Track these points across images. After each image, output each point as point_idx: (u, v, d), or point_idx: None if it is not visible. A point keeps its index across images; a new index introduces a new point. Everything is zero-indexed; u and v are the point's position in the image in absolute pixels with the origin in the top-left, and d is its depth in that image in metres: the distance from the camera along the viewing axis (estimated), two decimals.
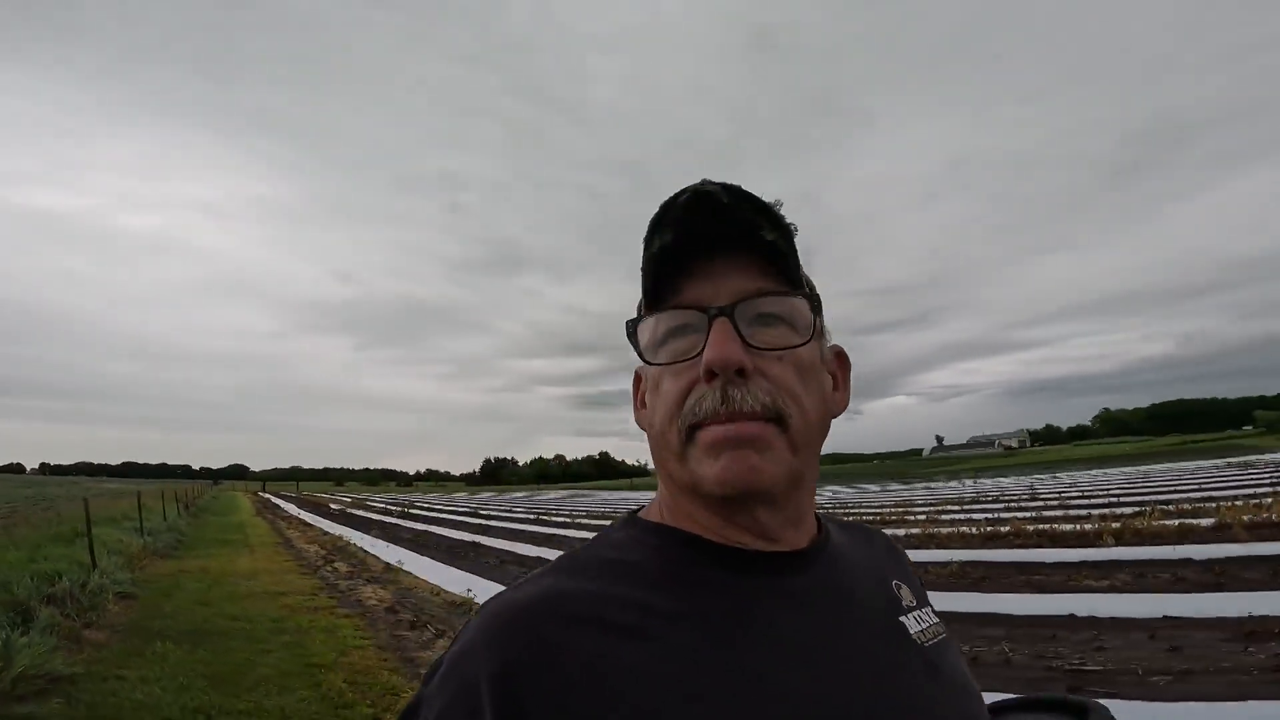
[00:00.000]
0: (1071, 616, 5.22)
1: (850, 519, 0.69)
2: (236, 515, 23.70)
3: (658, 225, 0.50)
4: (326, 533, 16.67)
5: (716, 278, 0.51)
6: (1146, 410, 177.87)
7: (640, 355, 0.54)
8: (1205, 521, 9.87)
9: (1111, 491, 19.34)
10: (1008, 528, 11.32)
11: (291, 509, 29.73)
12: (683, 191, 0.50)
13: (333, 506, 32.55)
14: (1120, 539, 9.11)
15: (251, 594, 7.28)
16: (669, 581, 0.50)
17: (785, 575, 0.52)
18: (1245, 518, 9.58)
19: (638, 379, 0.59)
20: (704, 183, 0.50)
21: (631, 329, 0.55)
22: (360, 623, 5.89)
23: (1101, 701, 0.59)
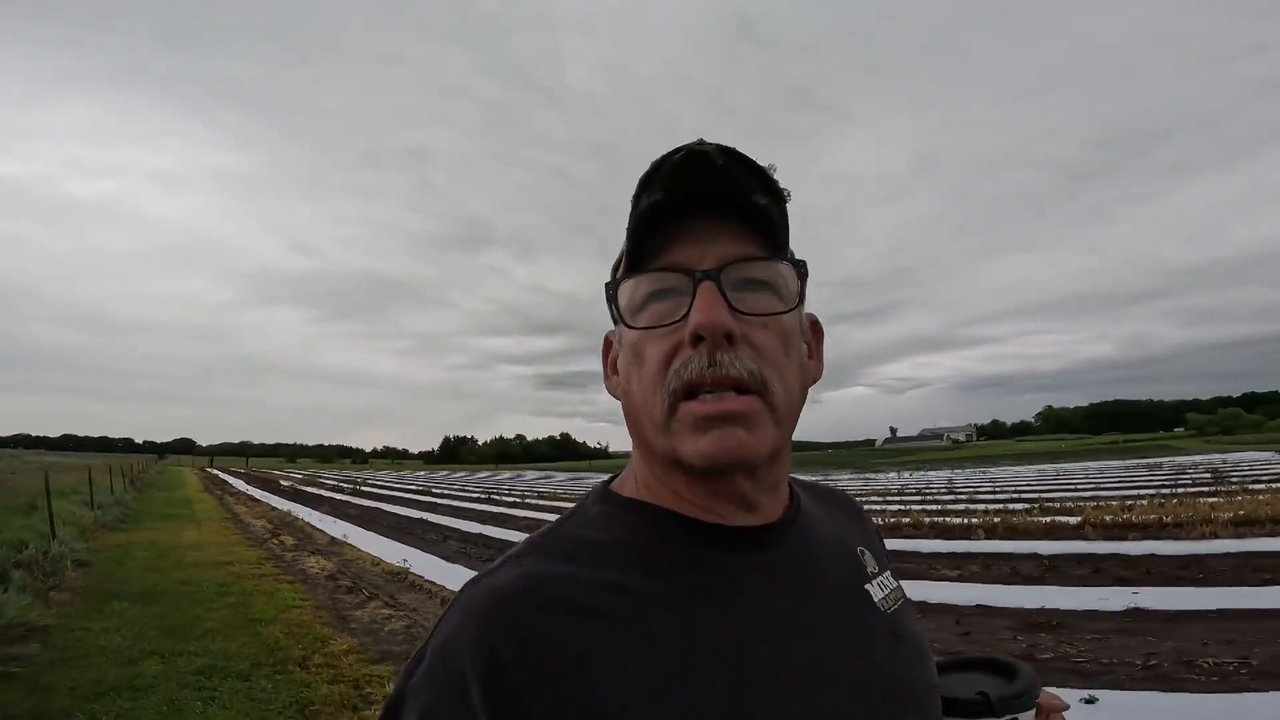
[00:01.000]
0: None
1: (815, 480, 0.70)
2: (183, 491, 23.76)
3: (647, 183, 0.48)
4: (275, 508, 17.07)
5: (703, 240, 0.49)
6: (1086, 409, 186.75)
7: (619, 318, 0.52)
8: (1074, 520, 11.14)
9: (1018, 487, 20.95)
10: (908, 519, 12.52)
11: (240, 485, 29.70)
12: (677, 150, 0.48)
13: (283, 483, 32.54)
14: (992, 533, 10.28)
15: (199, 563, 7.90)
16: (649, 561, 0.49)
17: (763, 549, 0.52)
18: (1107, 518, 10.85)
19: (608, 344, 0.58)
20: (699, 142, 0.48)
21: (611, 291, 0.52)
22: (302, 588, 6.62)
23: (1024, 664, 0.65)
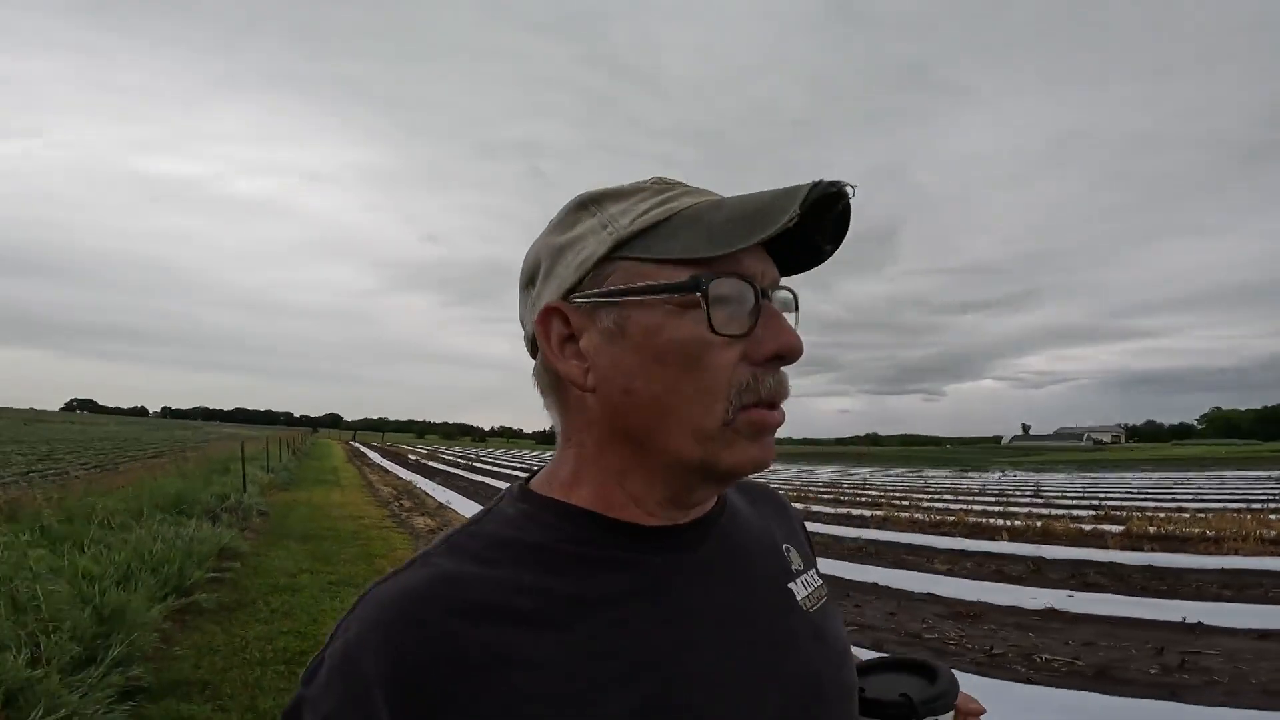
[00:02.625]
0: (875, 585, 6.79)
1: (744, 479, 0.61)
2: (331, 461, 27.96)
3: (791, 199, 0.45)
4: (400, 479, 20.17)
5: (762, 257, 0.49)
6: (1259, 412, 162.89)
7: (707, 315, 0.46)
8: (1117, 529, 11.31)
9: (1111, 494, 20.19)
10: (953, 518, 13.11)
11: (375, 457, 34.08)
12: (833, 183, 0.46)
13: (410, 457, 36.89)
14: (1019, 536, 10.76)
15: (340, 517, 10.45)
16: (569, 563, 0.48)
17: (686, 549, 0.52)
18: (1150, 529, 10.96)
19: (549, 315, 0.50)
20: (844, 186, 0.47)
21: (705, 285, 0.46)
22: (408, 537, 8.86)
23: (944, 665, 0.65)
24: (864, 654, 0.71)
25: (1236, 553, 8.76)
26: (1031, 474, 37.64)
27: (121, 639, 3.49)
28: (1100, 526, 11.46)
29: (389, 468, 25.88)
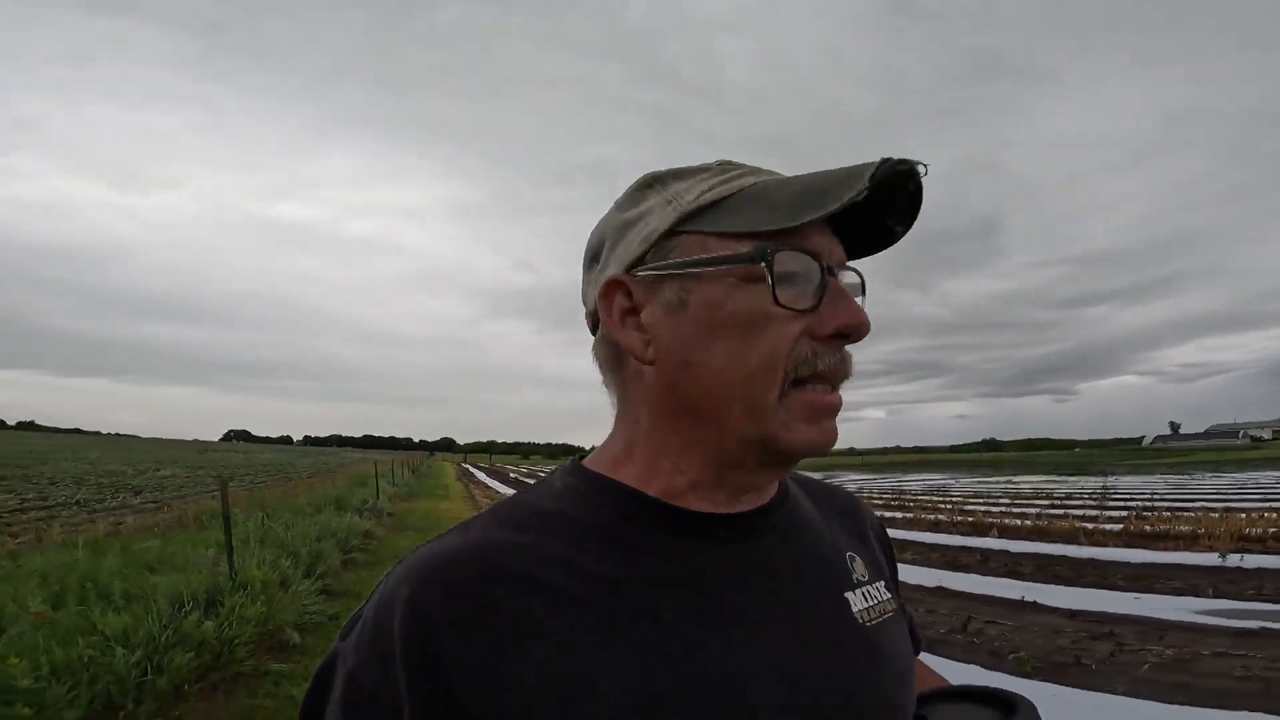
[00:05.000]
0: None
1: (821, 478, 0.66)
2: (443, 479, 32.14)
3: (859, 176, 0.45)
4: (498, 492, 23.55)
5: (828, 234, 0.50)
6: None
7: (772, 286, 0.47)
8: (1115, 528, 11.78)
9: (1186, 496, 19.96)
10: (973, 519, 14.32)
11: (481, 476, 38.24)
12: (902, 161, 0.46)
13: (511, 475, 40.86)
14: (1009, 533, 11.52)
15: (446, 518, 13.68)
16: (607, 541, 0.48)
17: (733, 542, 0.50)
18: (1146, 528, 11.63)
19: (614, 288, 0.52)
20: (914, 164, 0.46)
21: (770, 254, 0.47)
22: None
23: (1027, 697, 0.58)
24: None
25: (1208, 550, 9.14)
26: (1146, 477, 35.78)
27: (321, 567, 6.46)
28: (1101, 526, 12.31)
29: (490, 484, 29.64)
